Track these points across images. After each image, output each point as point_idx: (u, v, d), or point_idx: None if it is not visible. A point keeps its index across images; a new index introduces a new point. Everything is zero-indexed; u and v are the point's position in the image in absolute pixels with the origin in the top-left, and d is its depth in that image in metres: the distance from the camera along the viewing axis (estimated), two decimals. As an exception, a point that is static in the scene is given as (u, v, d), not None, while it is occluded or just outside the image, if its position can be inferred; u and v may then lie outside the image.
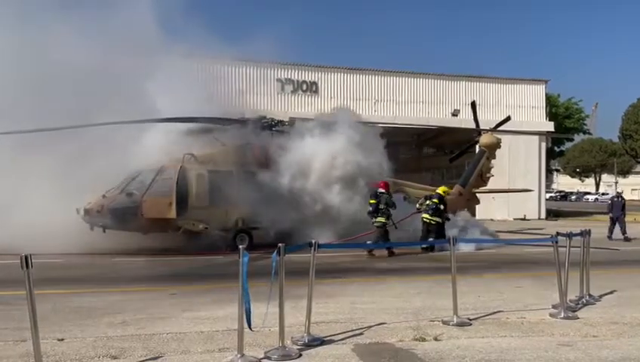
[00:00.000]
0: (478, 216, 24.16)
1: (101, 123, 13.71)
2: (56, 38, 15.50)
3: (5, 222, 13.83)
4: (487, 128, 21.57)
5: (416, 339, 6.30)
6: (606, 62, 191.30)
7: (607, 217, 21.09)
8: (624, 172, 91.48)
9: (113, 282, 10.11)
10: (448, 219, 15.83)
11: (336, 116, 16.96)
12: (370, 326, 6.80)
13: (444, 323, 7.00)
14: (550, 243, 7.94)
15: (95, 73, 15.73)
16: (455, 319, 7.00)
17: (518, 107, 34.09)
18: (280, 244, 5.69)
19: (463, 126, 26.23)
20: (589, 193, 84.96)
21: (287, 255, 5.72)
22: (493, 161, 21.38)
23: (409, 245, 14.86)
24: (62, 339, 6.06)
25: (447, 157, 27.93)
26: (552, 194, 74.07)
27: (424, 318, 7.28)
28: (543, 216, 33.91)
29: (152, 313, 7.46)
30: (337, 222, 14.95)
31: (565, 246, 7.86)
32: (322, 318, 7.01)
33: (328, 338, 6.24)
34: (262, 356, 5.59)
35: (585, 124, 44.92)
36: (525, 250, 15.01)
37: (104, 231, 13.73)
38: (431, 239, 14.76)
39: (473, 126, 21.97)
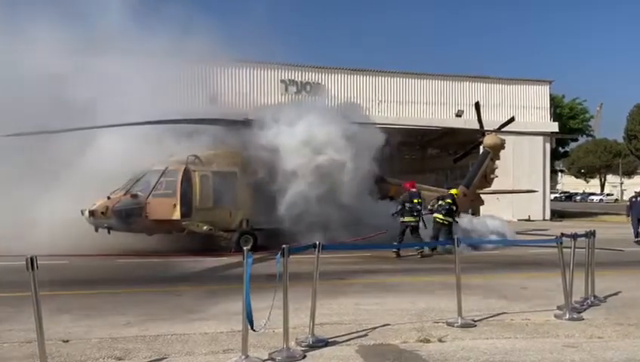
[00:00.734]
0: (482, 217, 24.08)
1: (104, 125, 13.77)
2: (69, 37, 15.61)
3: (9, 223, 13.92)
4: (492, 129, 21.53)
5: (420, 341, 6.30)
6: (611, 63, 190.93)
7: (613, 218, 20.94)
8: (629, 172, 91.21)
9: (118, 283, 10.12)
10: (456, 222, 15.89)
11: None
12: (375, 328, 6.80)
13: (449, 324, 6.99)
14: (555, 244, 7.92)
15: (97, 75, 15.83)
16: (459, 320, 6.99)
17: (523, 108, 34.04)
18: (284, 245, 5.70)
19: (466, 127, 26.21)
20: (593, 194, 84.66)
21: (291, 256, 5.73)
22: (497, 162, 21.33)
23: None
24: (67, 341, 6.09)
25: (451, 158, 27.87)
26: (557, 195, 73.90)
27: (428, 319, 7.28)
28: (548, 216, 33.80)
29: (157, 314, 7.48)
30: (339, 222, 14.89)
31: (570, 248, 7.84)
32: (326, 319, 7.01)
33: (332, 339, 6.24)
34: (266, 357, 5.60)
35: (589, 125, 44.78)
36: (530, 251, 14.96)
37: (109, 233, 13.82)
38: (441, 239, 14.77)
39: (477, 127, 21.94)
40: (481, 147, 22.11)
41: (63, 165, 14.59)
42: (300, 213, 14.46)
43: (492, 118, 26.43)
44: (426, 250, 14.70)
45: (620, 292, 9.29)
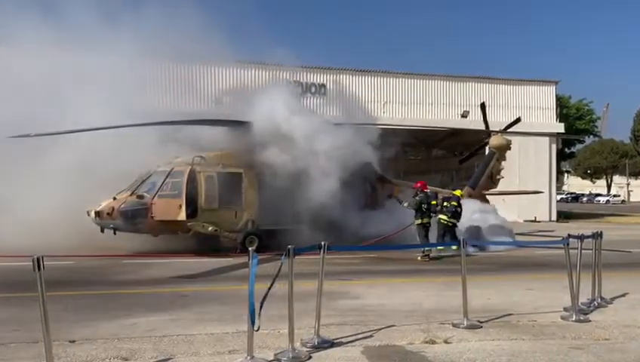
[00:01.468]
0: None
1: (104, 127, 13.80)
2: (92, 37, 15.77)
3: (14, 223, 14.02)
4: (497, 130, 21.47)
5: (426, 342, 6.28)
6: (618, 63, 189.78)
7: (620, 219, 20.85)
8: (636, 173, 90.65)
9: (124, 284, 10.16)
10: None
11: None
12: (380, 329, 6.78)
13: (455, 325, 6.96)
14: (561, 246, 7.88)
15: (97, 75, 15.93)
16: (465, 321, 6.96)
17: (529, 108, 33.92)
18: (289, 246, 5.71)
19: (472, 127, 26.13)
20: (600, 195, 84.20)
21: (296, 256, 5.73)
22: (503, 163, 21.27)
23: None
24: (73, 341, 6.10)
25: (456, 159, 27.83)
26: (563, 196, 73.53)
27: (434, 321, 7.25)
28: (554, 218, 33.67)
29: (163, 315, 7.50)
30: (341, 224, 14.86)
31: (576, 249, 7.80)
32: (332, 320, 7.00)
33: (338, 340, 6.24)
34: (272, 358, 5.60)
35: (596, 126, 44.61)
36: (536, 252, 14.91)
37: (115, 233, 13.88)
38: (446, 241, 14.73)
39: (483, 127, 21.89)
40: (487, 148, 22.07)
41: (70, 165, 14.71)
42: (306, 214, 14.48)
43: (498, 119, 26.35)
44: (434, 251, 14.60)
45: (627, 293, 9.24)
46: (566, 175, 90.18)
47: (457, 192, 16.24)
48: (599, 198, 79.94)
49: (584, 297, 8.16)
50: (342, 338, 6.33)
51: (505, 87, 34.45)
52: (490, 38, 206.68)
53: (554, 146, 34.42)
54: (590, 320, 7.40)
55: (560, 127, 34.94)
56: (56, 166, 14.82)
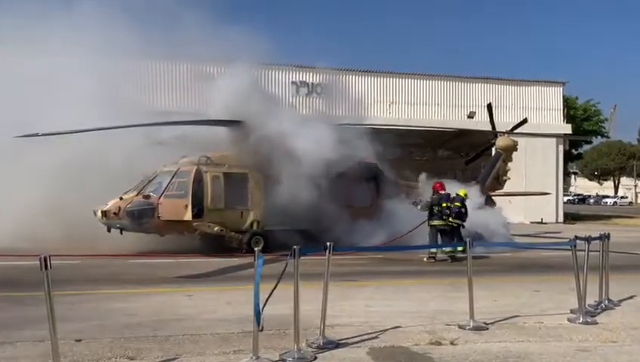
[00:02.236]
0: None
1: (105, 127, 13.85)
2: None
3: (19, 223, 14.09)
4: (504, 130, 21.39)
5: (432, 343, 6.26)
6: (625, 64, 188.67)
7: (627, 221, 20.73)
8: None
9: (130, 283, 10.19)
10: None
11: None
12: (386, 330, 6.77)
13: (461, 327, 6.93)
14: (568, 248, 7.84)
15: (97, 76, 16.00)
16: (471, 323, 6.93)
17: (535, 109, 33.80)
18: (295, 246, 5.70)
19: (479, 128, 26.06)
20: (607, 196, 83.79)
21: (302, 257, 5.72)
22: (509, 164, 21.19)
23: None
24: (79, 340, 6.12)
25: (462, 160, 27.73)
26: (570, 198, 73.12)
27: (440, 322, 7.23)
28: (561, 219, 33.51)
29: (168, 314, 7.52)
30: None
31: (584, 250, 7.76)
32: (337, 321, 6.99)
33: (343, 341, 6.23)
34: (277, 358, 5.60)
35: (604, 127, 44.37)
36: (543, 254, 14.84)
37: (121, 233, 13.93)
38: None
39: (489, 128, 21.81)
40: (494, 149, 22.00)
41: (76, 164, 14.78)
42: (310, 214, 14.47)
43: (504, 120, 26.22)
44: (439, 254, 14.48)
45: (634, 296, 9.17)
46: (573, 176, 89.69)
47: (461, 192, 15.77)
48: (606, 200, 79.62)
49: (591, 299, 8.11)
50: (347, 338, 6.32)
51: (512, 88, 34.34)
52: (491, 40, 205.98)
53: (561, 147, 34.26)
54: (597, 323, 7.36)
55: (567, 128, 34.76)
56: (42, 164, 14.90)
